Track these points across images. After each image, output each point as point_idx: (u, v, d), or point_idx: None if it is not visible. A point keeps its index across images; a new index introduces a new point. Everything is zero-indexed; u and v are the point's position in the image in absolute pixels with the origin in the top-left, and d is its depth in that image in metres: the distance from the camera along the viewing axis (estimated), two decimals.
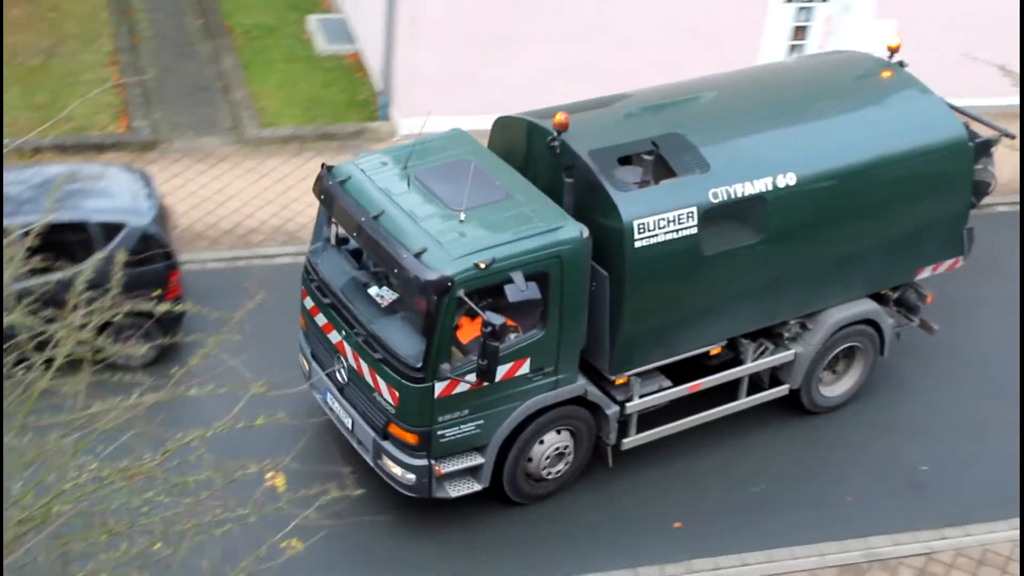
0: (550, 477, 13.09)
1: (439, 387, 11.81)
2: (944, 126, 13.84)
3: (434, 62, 18.19)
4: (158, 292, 12.42)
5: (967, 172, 13.99)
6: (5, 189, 13.25)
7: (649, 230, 12.14)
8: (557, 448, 12.93)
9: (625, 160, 12.69)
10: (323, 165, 12.88)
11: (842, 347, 14.27)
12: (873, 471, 13.82)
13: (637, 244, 12.11)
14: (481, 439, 12.40)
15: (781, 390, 14.14)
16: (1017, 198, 18.05)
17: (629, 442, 13.33)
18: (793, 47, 19.53)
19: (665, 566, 12.59)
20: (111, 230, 13.73)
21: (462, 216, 11.90)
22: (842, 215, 13.33)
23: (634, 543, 12.80)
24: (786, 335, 13.82)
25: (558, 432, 12.88)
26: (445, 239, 11.71)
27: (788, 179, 12.82)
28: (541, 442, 12.82)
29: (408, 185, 12.40)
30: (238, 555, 9.41)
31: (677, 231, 12.26)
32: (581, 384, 12.72)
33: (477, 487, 12.58)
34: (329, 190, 12.63)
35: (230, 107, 19.26)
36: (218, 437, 8.64)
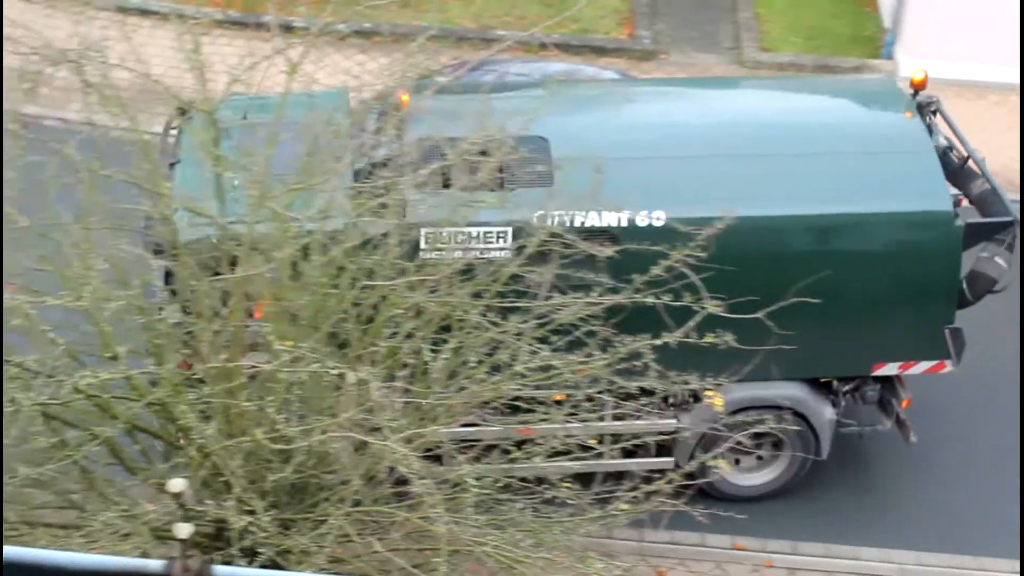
0: None
1: None
2: (925, 195, 10.71)
3: (949, 3, 17.38)
4: None
5: (947, 258, 10.66)
6: (510, 79, 13.85)
7: (443, 241, 9.95)
8: None
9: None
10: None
11: (750, 432, 10.42)
12: None
13: (423, 254, 9.75)
14: None
15: (665, 462, 10.91)
16: None
17: None
18: None
19: None
20: None
21: (235, 182, 9.60)
22: (740, 276, 10.02)
23: None
24: (671, 400, 10.89)
25: None
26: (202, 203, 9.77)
27: (654, 218, 10.31)
28: None
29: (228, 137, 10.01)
30: None
31: (481, 251, 10.06)
32: None
33: None
34: (172, 125, 11.12)
35: (733, 27, 19.19)
36: (667, 348, 8.80)
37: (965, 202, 11.06)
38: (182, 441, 8.02)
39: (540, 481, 8.80)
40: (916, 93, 11.45)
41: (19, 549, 2.60)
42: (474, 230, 9.98)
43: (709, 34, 19.12)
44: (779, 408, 11.22)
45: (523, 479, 8.70)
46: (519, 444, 8.77)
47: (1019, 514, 11.64)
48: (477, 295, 8.84)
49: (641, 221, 10.35)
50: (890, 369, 11.27)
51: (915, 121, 11.26)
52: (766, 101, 12.20)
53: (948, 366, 11.24)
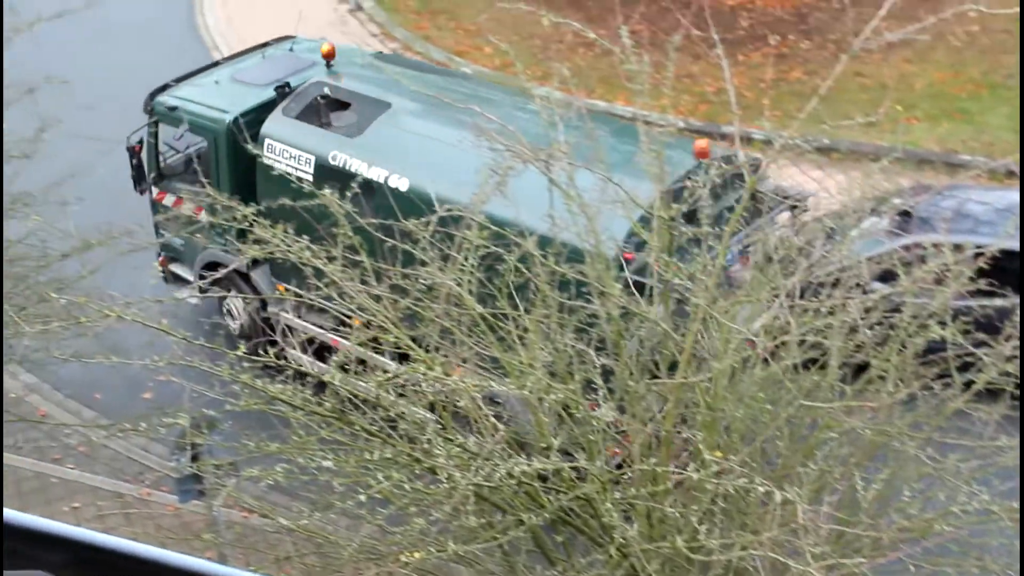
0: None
1: (154, 191, 15.09)
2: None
3: None
4: None
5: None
6: (971, 207, 13.36)
7: (275, 153, 13.41)
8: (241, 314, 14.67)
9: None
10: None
11: None
12: None
13: (264, 160, 13.23)
14: (187, 256, 15.13)
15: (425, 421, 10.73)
16: None
17: (293, 356, 12.99)
18: None
19: None
20: None
21: (216, 79, 14.80)
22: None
23: None
24: None
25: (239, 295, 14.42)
26: (186, 86, 14.70)
27: (401, 182, 12.61)
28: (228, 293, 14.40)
29: (263, 57, 15.24)
30: None
31: (295, 168, 13.00)
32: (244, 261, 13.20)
33: (194, 300, 14.53)
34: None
35: None
36: None
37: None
38: (603, 538, 8.11)
39: None
40: (699, 160, 11.55)
41: None
42: (295, 151, 13.34)
43: None
44: None
45: None
46: None
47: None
48: (917, 426, 8.51)
49: (392, 182, 12.62)
50: None
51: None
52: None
53: None
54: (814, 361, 8.59)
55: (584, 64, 19.22)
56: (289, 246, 8.32)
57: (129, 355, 8.08)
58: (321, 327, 13.67)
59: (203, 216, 14.06)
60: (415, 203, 11.59)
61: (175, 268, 15.42)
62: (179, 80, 14.87)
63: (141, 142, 14.69)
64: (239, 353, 7.70)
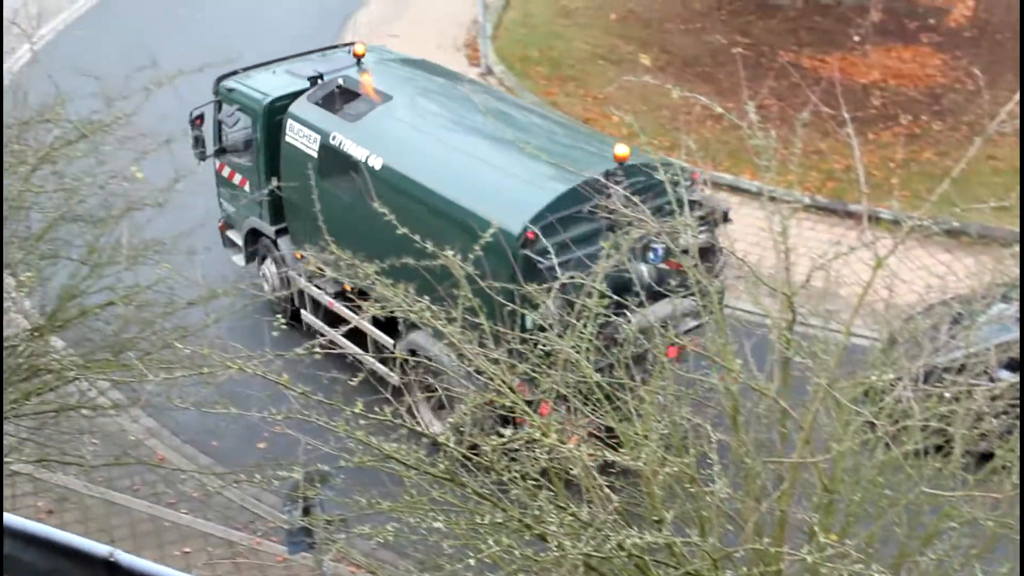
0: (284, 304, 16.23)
1: (216, 163, 17.15)
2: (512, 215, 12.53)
3: None
4: None
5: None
6: None
7: (294, 132, 15.34)
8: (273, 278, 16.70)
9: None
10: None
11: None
12: None
13: (287, 138, 15.40)
14: (236, 223, 17.22)
15: (389, 376, 13.79)
16: None
17: (305, 317, 15.95)
18: None
19: None
20: None
21: (274, 71, 16.68)
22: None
23: None
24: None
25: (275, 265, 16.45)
26: (251, 74, 16.62)
27: (376, 162, 14.25)
28: (262, 261, 16.89)
29: (322, 55, 17.15)
30: None
31: (306, 146, 15.09)
32: (271, 229, 16.29)
33: (241, 263, 17.00)
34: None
35: None
36: None
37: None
38: None
39: None
40: (620, 165, 12.97)
41: None
42: (307, 131, 15.13)
43: None
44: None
45: None
46: None
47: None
48: None
49: (370, 161, 14.30)
50: None
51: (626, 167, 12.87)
52: (528, 127, 15.17)
53: None
54: (937, 447, 8.40)
55: (711, 137, 19.20)
56: (410, 306, 8.37)
57: (248, 405, 8.20)
58: (323, 290, 15.59)
59: (247, 187, 16.58)
60: (385, 180, 13.94)
61: (230, 234, 17.60)
62: (247, 69, 16.84)
63: (202, 116, 16.70)
64: (355, 410, 7.75)
